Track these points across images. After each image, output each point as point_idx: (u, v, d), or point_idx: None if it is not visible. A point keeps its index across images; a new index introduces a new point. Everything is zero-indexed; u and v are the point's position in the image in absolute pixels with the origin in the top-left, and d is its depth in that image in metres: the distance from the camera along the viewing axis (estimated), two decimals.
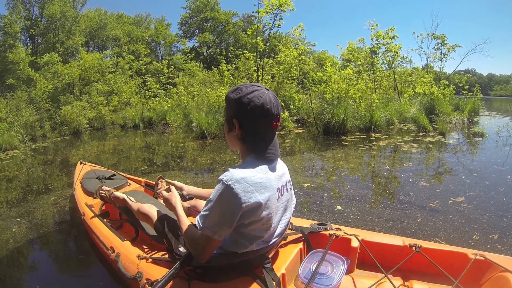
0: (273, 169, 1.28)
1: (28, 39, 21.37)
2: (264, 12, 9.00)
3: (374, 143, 6.63)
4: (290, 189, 1.41)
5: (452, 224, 2.66)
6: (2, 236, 3.02)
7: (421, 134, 7.50)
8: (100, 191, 2.60)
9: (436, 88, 10.25)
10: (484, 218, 2.76)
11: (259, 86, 1.24)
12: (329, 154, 5.80)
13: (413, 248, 1.49)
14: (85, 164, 3.79)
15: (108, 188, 2.62)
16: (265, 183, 1.20)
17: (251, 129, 1.24)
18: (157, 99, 15.09)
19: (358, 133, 7.97)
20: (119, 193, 2.45)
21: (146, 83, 16.64)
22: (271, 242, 1.36)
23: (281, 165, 1.38)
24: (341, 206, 3.19)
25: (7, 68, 15.18)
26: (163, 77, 16.78)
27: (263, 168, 1.23)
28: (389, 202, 3.24)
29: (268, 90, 1.24)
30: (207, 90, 11.74)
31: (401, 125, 9.08)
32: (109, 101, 15.72)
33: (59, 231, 3.07)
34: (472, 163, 4.81)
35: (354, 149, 6.14)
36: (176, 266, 1.37)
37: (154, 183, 3.01)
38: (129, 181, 3.26)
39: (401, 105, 10.32)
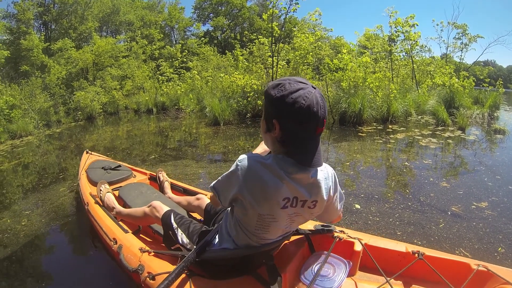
0: (297, 180, 1.13)
1: (42, 25, 21.33)
2: None
3: (392, 136, 6.45)
4: (310, 207, 1.22)
5: (476, 233, 2.52)
6: (13, 227, 3.06)
7: (439, 128, 7.25)
8: (100, 188, 2.60)
9: (456, 79, 9.85)
10: (509, 228, 2.60)
11: (304, 83, 1.07)
12: (345, 145, 5.68)
13: (416, 255, 1.48)
14: (91, 153, 3.78)
15: (108, 187, 2.62)
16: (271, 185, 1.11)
17: (293, 132, 1.09)
18: (170, 83, 15.05)
19: (374, 123, 7.77)
20: (112, 199, 2.45)
21: (160, 68, 16.59)
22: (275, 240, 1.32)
23: (318, 180, 1.19)
24: (359, 204, 3.09)
25: (21, 55, 15.18)
26: (176, 61, 16.71)
27: (280, 172, 1.10)
28: (409, 203, 3.12)
29: (315, 88, 1.07)
30: (221, 74, 11.62)
31: (419, 117, 8.78)
32: (122, 85, 15.75)
33: (68, 222, 3.08)
34: (494, 163, 4.56)
35: (371, 141, 5.99)
36: (190, 258, 1.34)
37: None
38: (134, 172, 3.24)
39: (419, 96, 9.98)
